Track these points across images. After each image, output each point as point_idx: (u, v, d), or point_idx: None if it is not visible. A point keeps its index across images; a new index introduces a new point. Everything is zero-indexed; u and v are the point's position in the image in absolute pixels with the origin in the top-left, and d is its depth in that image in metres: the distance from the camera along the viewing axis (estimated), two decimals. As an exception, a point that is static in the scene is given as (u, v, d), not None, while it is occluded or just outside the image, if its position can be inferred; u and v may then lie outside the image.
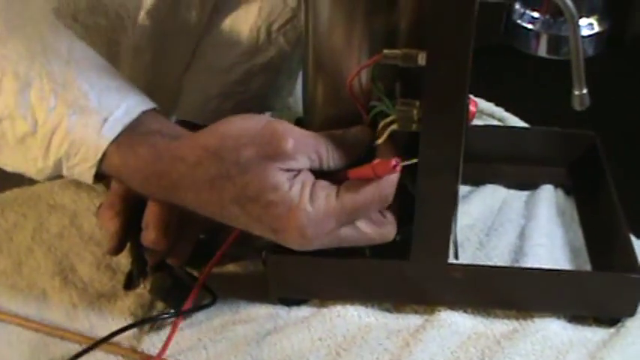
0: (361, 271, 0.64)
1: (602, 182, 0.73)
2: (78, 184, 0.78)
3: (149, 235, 0.63)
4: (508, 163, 0.79)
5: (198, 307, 0.65)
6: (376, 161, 0.57)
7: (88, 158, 0.58)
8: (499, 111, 0.89)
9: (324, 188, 0.57)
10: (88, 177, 0.59)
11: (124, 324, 0.63)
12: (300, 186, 0.56)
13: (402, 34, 0.58)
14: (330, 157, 0.58)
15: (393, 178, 0.57)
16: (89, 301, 0.66)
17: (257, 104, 0.80)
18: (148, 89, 0.64)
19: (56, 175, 0.61)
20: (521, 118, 0.87)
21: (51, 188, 0.78)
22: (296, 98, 0.87)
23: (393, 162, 0.56)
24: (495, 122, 0.87)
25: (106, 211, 0.67)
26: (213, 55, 0.80)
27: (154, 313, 0.65)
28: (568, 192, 0.79)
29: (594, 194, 0.75)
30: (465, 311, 0.65)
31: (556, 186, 0.79)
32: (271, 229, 0.57)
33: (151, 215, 0.64)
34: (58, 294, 0.67)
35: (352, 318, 0.65)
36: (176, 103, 0.81)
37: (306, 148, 0.57)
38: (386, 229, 0.60)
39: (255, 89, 0.79)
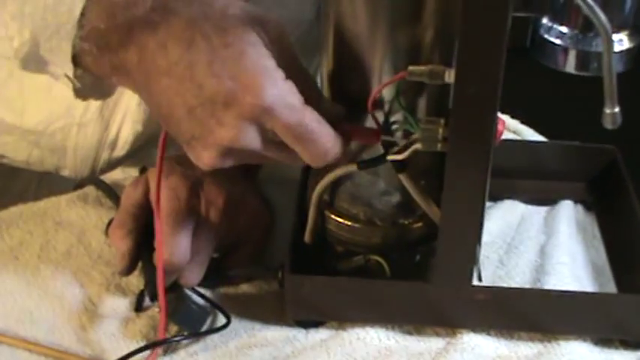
0: (382, 293, 0.62)
1: (624, 198, 0.71)
2: (85, 199, 0.76)
3: (162, 255, 0.61)
4: (526, 178, 0.78)
5: (212, 330, 0.63)
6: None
7: (65, 23, 0.53)
8: (514, 123, 0.87)
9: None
10: (66, 49, 0.54)
11: (136, 347, 0.60)
12: (274, 62, 0.52)
13: (426, 49, 0.56)
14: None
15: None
16: (99, 323, 0.64)
17: None
18: None
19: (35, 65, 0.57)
20: (542, 132, 0.85)
21: (57, 204, 0.75)
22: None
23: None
24: (511, 135, 0.85)
25: (116, 230, 0.65)
26: None
27: (167, 335, 0.62)
28: (588, 208, 0.77)
29: (616, 210, 0.73)
30: (488, 334, 0.63)
31: (576, 201, 0.77)
32: (230, 85, 0.50)
33: (163, 235, 0.62)
34: (67, 316, 0.64)
35: (372, 341, 0.63)
36: None
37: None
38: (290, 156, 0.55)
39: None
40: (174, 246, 0.62)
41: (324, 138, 0.53)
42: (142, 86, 0.53)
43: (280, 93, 0.51)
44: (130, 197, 0.67)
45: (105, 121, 0.76)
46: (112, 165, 0.80)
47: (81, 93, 0.57)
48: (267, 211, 0.72)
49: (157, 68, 0.52)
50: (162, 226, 0.62)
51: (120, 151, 0.78)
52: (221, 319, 0.64)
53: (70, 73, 0.55)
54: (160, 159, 0.61)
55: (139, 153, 0.81)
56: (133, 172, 0.79)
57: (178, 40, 0.51)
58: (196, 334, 0.62)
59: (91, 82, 0.56)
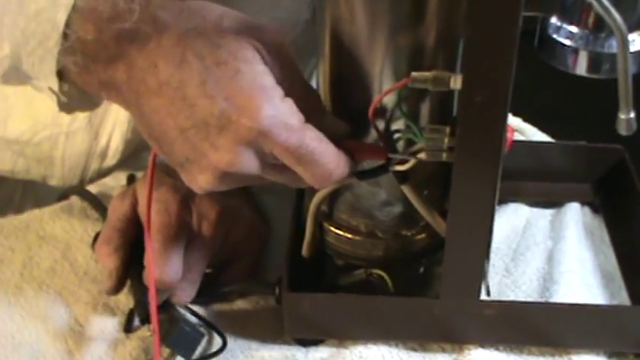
0: (385, 309, 0.59)
1: (633, 199, 0.69)
2: (70, 211, 0.72)
3: (152, 274, 0.58)
4: (531, 180, 0.75)
5: (208, 356, 0.59)
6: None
7: (49, 35, 0.49)
8: (517, 122, 0.84)
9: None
10: (50, 64, 0.49)
11: (126, 372, 0.57)
12: (273, 78, 0.49)
13: (429, 53, 0.53)
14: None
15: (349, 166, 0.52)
16: (86, 346, 0.60)
17: None
18: None
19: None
20: (547, 133, 0.82)
21: (40, 217, 0.72)
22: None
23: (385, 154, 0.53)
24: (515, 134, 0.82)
25: (102, 247, 0.62)
26: None
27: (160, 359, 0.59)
28: (595, 210, 0.74)
29: (624, 212, 0.70)
30: (497, 349, 0.60)
31: (582, 204, 0.74)
32: (224, 107, 0.47)
33: (153, 252, 0.59)
34: (52, 339, 0.61)
35: (375, 359, 0.60)
36: None
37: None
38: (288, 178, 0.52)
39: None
40: (165, 263, 0.58)
41: (327, 158, 0.50)
42: (133, 105, 0.50)
43: (278, 114, 0.47)
44: (116, 210, 0.63)
45: (94, 129, 0.73)
46: (103, 174, 0.76)
47: (67, 107, 0.53)
48: (263, 222, 0.68)
49: (147, 87, 0.48)
50: (150, 239, 0.58)
51: (111, 160, 0.75)
52: (217, 340, 0.61)
53: (55, 88, 0.51)
54: (150, 177, 0.57)
55: (129, 159, 0.77)
56: (122, 176, 0.75)
57: (169, 58, 0.47)
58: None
59: (78, 96, 0.52)
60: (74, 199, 0.73)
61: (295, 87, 0.50)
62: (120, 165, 0.76)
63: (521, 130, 0.83)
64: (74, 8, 0.48)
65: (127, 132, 0.73)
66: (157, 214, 0.60)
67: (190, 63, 0.47)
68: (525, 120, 0.84)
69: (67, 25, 0.48)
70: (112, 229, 0.62)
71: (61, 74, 0.50)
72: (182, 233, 0.60)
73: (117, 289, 0.61)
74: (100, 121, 0.72)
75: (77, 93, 0.52)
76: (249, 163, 0.49)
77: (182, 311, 0.61)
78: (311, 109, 0.50)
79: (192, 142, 0.48)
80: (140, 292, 0.60)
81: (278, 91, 0.48)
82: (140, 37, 0.47)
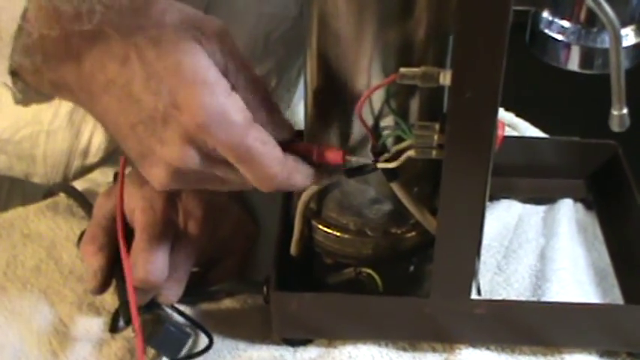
0: (375, 309, 0.58)
1: (626, 195, 0.68)
2: (55, 209, 0.71)
3: (138, 274, 0.57)
4: (523, 176, 0.74)
5: (193, 355, 0.58)
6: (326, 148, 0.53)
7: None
8: (509, 116, 0.83)
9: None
10: (4, 63, 0.49)
11: (111, 374, 0.56)
12: (217, 71, 0.48)
13: (418, 49, 0.52)
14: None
15: (307, 174, 0.51)
16: (71, 347, 0.59)
17: None
18: None
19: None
20: (541, 128, 0.81)
21: (25, 215, 0.71)
22: (293, 110, 0.80)
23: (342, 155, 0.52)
24: (506, 129, 0.81)
25: (87, 245, 0.60)
26: None
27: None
28: (588, 206, 0.73)
29: (618, 208, 0.70)
30: (488, 348, 0.60)
31: (575, 200, 0.73)
32: (167, 101, 0.46)
33: (138, 251, 0.58)
34: (35, 339, 0.60)
35: (364, 359, 0.59)
36: None
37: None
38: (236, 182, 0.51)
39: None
40: (151, 262, 0.57)
41: (268, 161, 0.48)
42: (87, 103, 0.49)
43: (220, 110, 0.46)
44: (102, 208, 0.62)
45: (75, 128, 0.71)
46: (86, 171, 0.75)
47: (23, 102, 0.52)
48: (251, 220, 0.67)
49: (97, 86, 0.48)
50: (125, 246, 0.58)
51: (93, 158, 0.74)
52: (203, 340, 0.60)
53: (10, 84, 0.50)
54: (122, 175, 0.56)
55: (115, 156, 0.76)
56: (109, 172, 0.74)
57: (114, 56, 0.47)
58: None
59: (33, 92, 0.52)
60: (60, 197, 0.72)
61: (240, 80, 0.49)
62: (104, 162, 0.74)
63: (514, 125, 0.82)
64: (39, 7, 0.47)
65: None
66: (142, 213, 0.59)
67: (133, 60, 0.47)
68: (518, 115, 0.83)
69: (27, 21, 0.47)
70: (97, 227, 0.61)
71: (15, 72, 0.50)
72: (168, 232, 0.59)
73: (102, 288, 0.60)
74: (81, 119, 0.71)
75: (32, 90, 0.51)
76: (194, 159, 0.48)
77: (168, 311, 0.60)
78: (258, 104, 0.50)
79: (141, 137, 0.48)
80: (125, 291, 0.59)
81: (222, 86, 0.47)
82: (88, 38, 0.47)
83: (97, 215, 0.62)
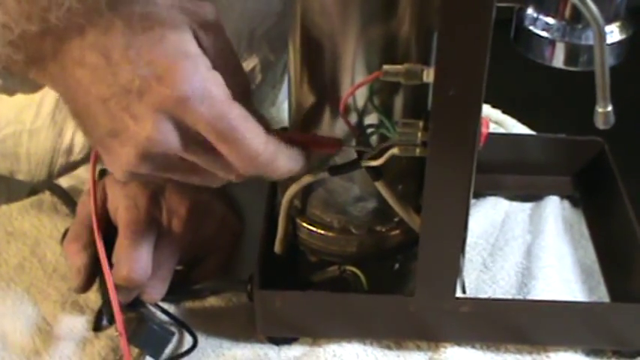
0: (359, 307, 0.58)
1: (612, 192, 0.67)
2: (39, 206, 0.71)
3: (121, 272, 0.56)
4: (509, 173, 0.73)
5: (178, 355, 0.58)
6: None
7: None
8: (496, 113, 0.82)
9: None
10: None
11: (94, 373, 0.56)
12: (199, 48, 0.47)
13: (401, 46, 0.52)
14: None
15: (291, 156, 0.50)
16: (54, 346, 0.59)
17: None
18: None
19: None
20: (527, 125, 0.81)
21: (9, 212, 0.70)
22: (279, 107, 0.79)
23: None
24: (492, 126, 0.81)
25: (71, 244, 0.60)
26: None
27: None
28: (575, 203, 0.73)
29: (604, 205, 0.69)
30: (474, 347, 0.59)
31: (562, 197, 0.73)
32: (145, 72, 0.45)
33: (122, 249, 0.57)
34: (18, 338, 0.59)
35: (349, 357, 0.58)
36: None
37: None
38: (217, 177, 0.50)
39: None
40: (134, 261, 0.57)
41: (251, 137, 0.47)
42: (59, 78, 0.47)
43: (201, 82, 0.45)
44: (86, 206, 0.62)
45: (58, 127, 0.71)
46: (70, 168, 0.75)
47: (5, 90, 0.51)
48: (236, 217, 0.67)
49: (72, 58, 0.46)
50: (101, 244, 0.57)
51: (77, 155, 0.73)
52: (187, 339, 0.59)
53: None
54: (92, 176, 0.56)
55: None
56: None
57: (97, 23, 0.45)
58: None
59: (12, 79, 0.51)
60: (44, 195, 0.72)
61: (229, 68, 0.48)
62: (88, 159, 0.74)
63: (501, 121, 0.82)
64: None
65: None
66: (125, 210, 0.59)
67: (117, 27, 0.45)
68: (505, 112, 0.82)
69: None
70: (80, 226, 0.61)
71: None
72: (151, 230, 0.59)
73: (85, 287, 0.59)
74: (63, 119, 0.71)
75: (10, 76, 0.50)
76: (169, 137, 0.46)
77: (152, 309, 0.60)
78: (242, 96, 0.48)
79: (113, 113, 0.46)
80: (108, 290, 0.58)
81: (204, 60, 0.46)
82: (73, 13, 0.46)
83: (81, 213, 0.62)
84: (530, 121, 0.80)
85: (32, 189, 0.74)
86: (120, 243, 0.58)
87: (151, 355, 0.57)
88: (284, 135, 0.51)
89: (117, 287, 0.57)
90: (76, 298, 0.62)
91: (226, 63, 0.49)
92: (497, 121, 0.82)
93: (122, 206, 0.59)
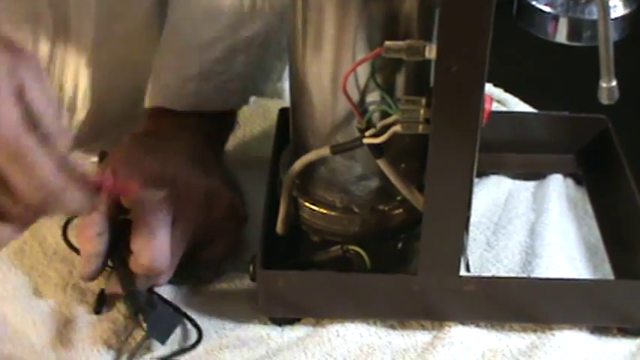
0: (363, 287, 0.57)
1: (616, 170, 0.67)
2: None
3: (142, 260, 0.56)
4: (513, 152, 0.73)
5: (183, 350, 0.57)
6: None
7: None
8: (498, 92, 0.82)
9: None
10: None
11: (97, 356, 0.56)
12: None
13: (403, 22, 0.51)
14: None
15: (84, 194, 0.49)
16: (55, 328, 0.59)
17: (242, 87, 0.71)
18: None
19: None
20: (529, 104, 0.80)
21: (8, 196, 0.70)
22: (284, 83, 0.79)
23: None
24: (494, 105, 0.80)
25: (86, 230, 0.58)
26: (190, 30, 0.70)
27: (132, 341, 0.57)
28: (578, 181, 0.72)
29: (607, 183, 0.69)
30: (478, 325, 0.59)
31: (565, 175, 0.73)
32: None
33: (141, 237, 0.57)
34: (20, 321, 0.59)
35: (353, 337, 0.58)
36: (143, 87, 0.72)
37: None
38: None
39: (239, 69, 0.70)
40: (156, 248, 0.56)
41: (43, 163, 0.46)
42: None
43: None
44: None
45: (56, 81, 0.70)
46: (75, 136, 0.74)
47: None
48: (242, 202, 0.66)
49: None
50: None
51: (80, 113, 0.72)
52: (192, 332, 0.59)
53: None
54: None
55: (99, 133, 0.75)
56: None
57: None
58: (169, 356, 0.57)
59: None
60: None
61: (34, 93, 0.47)
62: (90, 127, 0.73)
63: (503, 100, 0.81)
64: None
65: (93, 74, 0.71)
66: (142, 198, 0.58)
67: None
68: (507, 90, 0.82)
69: None
70: (95, 212, 0.58)
71: None
72: (168, 216, 0.58)
73: (95, 275, 0.58)
74: (60, 71, 0.70)
75: None
76: None
77: (161, 296, 0.59)
78: (47, 124, 0.47)
79: None
80: (127, 279, 0.57)
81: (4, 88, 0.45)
82: None
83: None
84: (532, 99, 0.80)
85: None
86: (139, 231, 0.57)
87: (158, 339, 0.56)
88: (79, 173, 0.50)
89: (136, 276, 0.57)
90: (77, 281, 0.62)
91: (34, 86, 0.48)
92: (499, 99, 0.81)
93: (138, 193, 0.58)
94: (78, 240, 0.61)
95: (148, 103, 0.70)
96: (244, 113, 0.77)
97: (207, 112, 0.69)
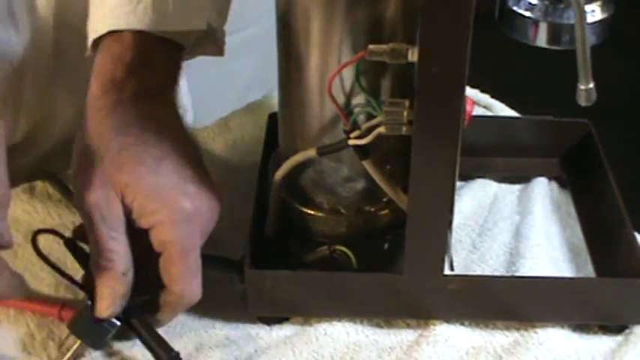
0: (349, 286, 0.59)
1: (600, 173, 0.68)
2: (31, 193, 0.71)
3: (184, 299, 0.56)
4: (498, 156, 0.74)
5: None
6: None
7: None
8: (484, 98, 0.83)
9: None
10: None
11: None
12: None
13: (387, 26, 0.52)
14: None
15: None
16: (48, 329, 0.60)
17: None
18: None
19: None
20: (514, 109, 0.82)
21: (2, 200, 0.71)
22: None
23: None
24: (481, 110, 0.82)
25: (110, 265, 0.55)
26: None
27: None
28: (563, 185, 0.74)
29: (591, 186, 0.70)
30: (462, 324, 0.60)
31: (550, 178, 0.74)
32: None
33: (180, 273, 0.56)
34: (13, 322, 0.60)
35: (340, 336, 0.59)
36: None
37: None
38: None
39: None
40: (197, 287, 0.56)
41: None
42: None
43: None
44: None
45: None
46: None
47: None
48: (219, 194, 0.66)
49: None
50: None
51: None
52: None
53: None
54: None
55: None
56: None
57: None
58: None
59: None
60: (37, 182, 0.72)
61: None
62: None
63: (489, 106, 0.82)
64: None
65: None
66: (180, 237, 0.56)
67: None
68: (493, 97, 0.83)
69: None
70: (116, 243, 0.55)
71: None
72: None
73: (115, 315, 0.56)
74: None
75: None
76: None
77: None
78: None
79: None
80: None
81: None
82: None
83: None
84: (518, 105, 0.81)
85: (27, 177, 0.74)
86: (177, 270, 0.55)
87: (89, 345, 0.57)
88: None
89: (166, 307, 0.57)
90: (70, 284, 0.63)
91: None
92: (485, 105, 0.82)
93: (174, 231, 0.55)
94: (95, 274, 0.56)
95: (92, 35, 0.60)
96: (235, 119, 0.78)
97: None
